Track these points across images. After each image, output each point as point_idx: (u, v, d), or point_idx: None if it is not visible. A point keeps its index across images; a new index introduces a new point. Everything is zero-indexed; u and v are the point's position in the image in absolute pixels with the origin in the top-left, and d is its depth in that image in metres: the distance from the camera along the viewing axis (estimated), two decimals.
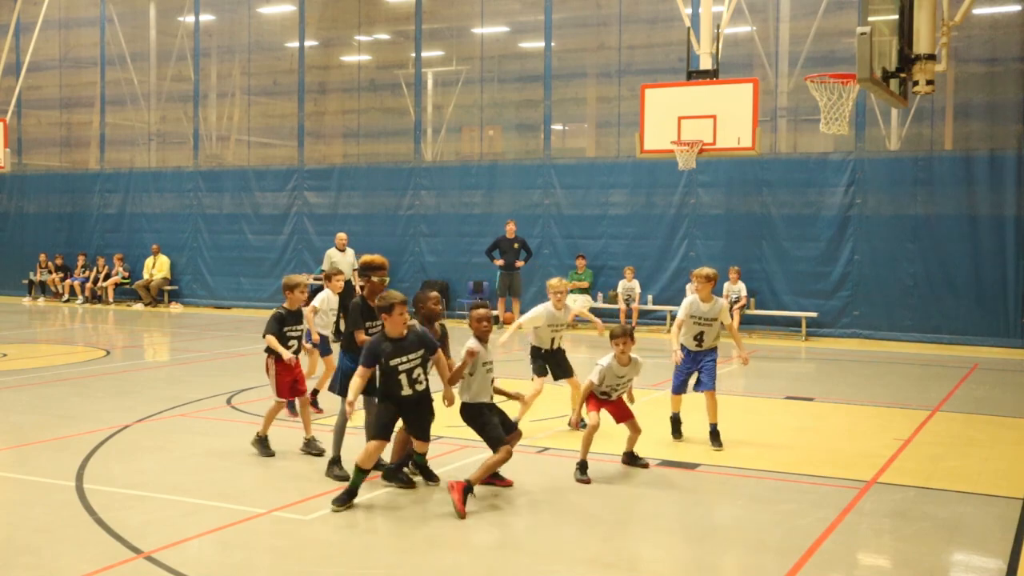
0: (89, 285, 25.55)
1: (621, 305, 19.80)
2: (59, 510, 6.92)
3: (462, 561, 6.10)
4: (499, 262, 20.17)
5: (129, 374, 13.65)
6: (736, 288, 18.94)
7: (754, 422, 10.55)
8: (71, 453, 8.52)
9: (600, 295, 20.41)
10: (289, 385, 8.78)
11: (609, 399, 8.25)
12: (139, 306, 24.56)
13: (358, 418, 7.88)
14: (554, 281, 9.81)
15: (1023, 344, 17.31)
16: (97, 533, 6.40)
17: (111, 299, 25.20)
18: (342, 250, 18.81)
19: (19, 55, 25.64)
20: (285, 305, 9.01)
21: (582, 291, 20.25)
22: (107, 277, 25.47)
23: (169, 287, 25.04)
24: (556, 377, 9.79)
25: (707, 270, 9.25)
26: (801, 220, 19.15)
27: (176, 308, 24.43)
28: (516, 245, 20.28)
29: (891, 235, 18.43)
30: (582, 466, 7.98)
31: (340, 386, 7.75)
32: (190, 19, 25.55)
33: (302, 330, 9.08)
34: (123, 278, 25.49)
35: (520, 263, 20.29)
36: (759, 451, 9.09)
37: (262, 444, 8.72)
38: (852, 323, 18.70)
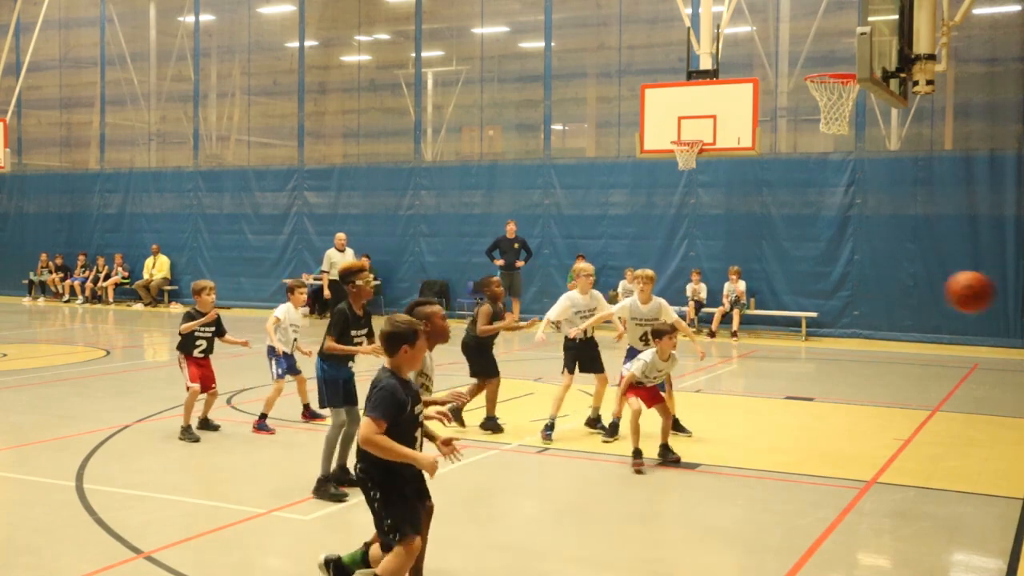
0: (89, 285, 25.55)
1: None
2: (59, 510, 6.92)
3: (462, 561, 6.10)
4: (499, 262, 20.16)
5: (129, 374, 13.65)
6: (736, 288, 18.94)
7: (754, 422, 10.55)
8: (71, 453, 8.52)
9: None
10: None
11: (643, 387, 8.51)
12: (139, 306, 24.55)
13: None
14: (580, 265, 10.04)
15: (1023, 344, 17.31)
16: (97, 533, 6.40)
17: (111, 299, 25.20)
18: (341, 250, 18.80)
19: (19, 55, 25.63)
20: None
21: None
22: (107, 277, 25.47)
23: (169, 287, 25.04)
24: (584, 371, 9.80)
25: (650, 271, 9.70)
26: (801, 220, 19.15)
27: (176, 308, 24.40)
28: (516, 245, 20.28)
29: (891, 235, 18.42)
30: (637, 454, 8.26)
31: (328, 398, 7.48)
32: (190, 19, 25.55)
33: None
34: (123, 278, 25.49)
35: (520, 263, 20.29)
36: (759, 451, 9.09)
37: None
38: (852, 323, 18.70)
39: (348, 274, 7.59)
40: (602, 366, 9.84)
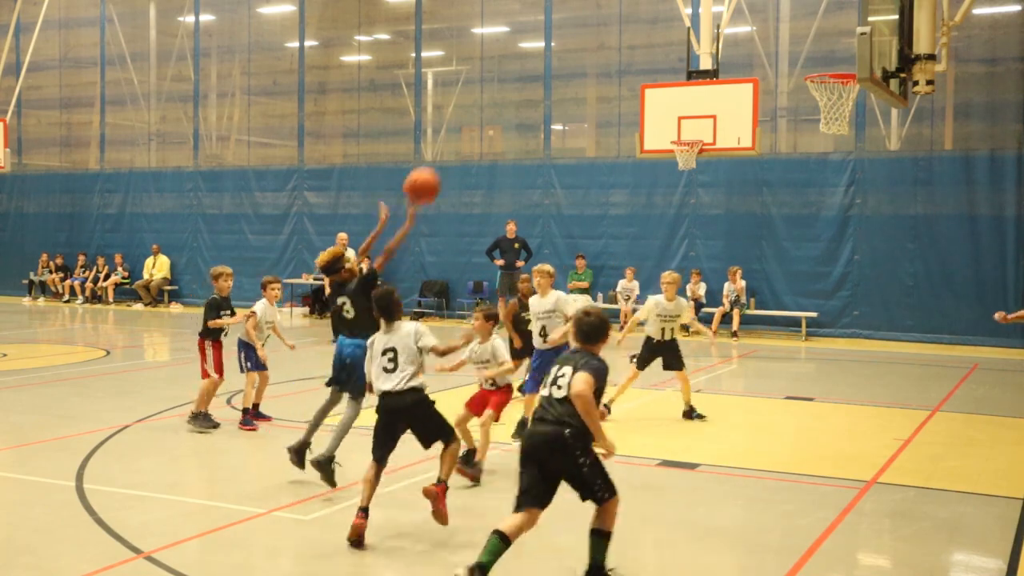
0: (89, 285, 25.55)
1: (621, 305, 19.79)
2: (59, 510, 6.92)
3: (462, 561, 6.09)
4: (499, 262, 20.16)
5: (129, 374, 13.65)
6: (736, 288, 18.94)
7: (754, 422, 10.55)
8: (71, 453, 8.52)
9: (600, 295, 20.41)
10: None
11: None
12: (139, 306, 24.55)
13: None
14: (666, 274, 10.67)
15: (1023, 344, 17.30)
16: (97, 533, 6.40)
17: (111, 299, 25.20)
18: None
19: (19, 55, 25.63)
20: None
21: (582, 291, 20.24)
22: (107, 277, 25.47)
23: (169, 287, 25.04)
24: (666, 367, 10.57)
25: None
26: (801, 220, 19.14)
27: (176, 308, 24.42)
28: (516, 245, 20.27)
29: (891, 235, 18.42)
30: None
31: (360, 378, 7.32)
32: (190, 19, 25.54)
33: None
34: (123, 278, 25.49)
35: (520, 263, 20.28)
36: (759, 451, 9.09)
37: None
38: (852, 323, 18.70)
39: (332, 265, 8.00)
40: (683, 364, 10.54)
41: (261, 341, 10.11)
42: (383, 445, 6.59)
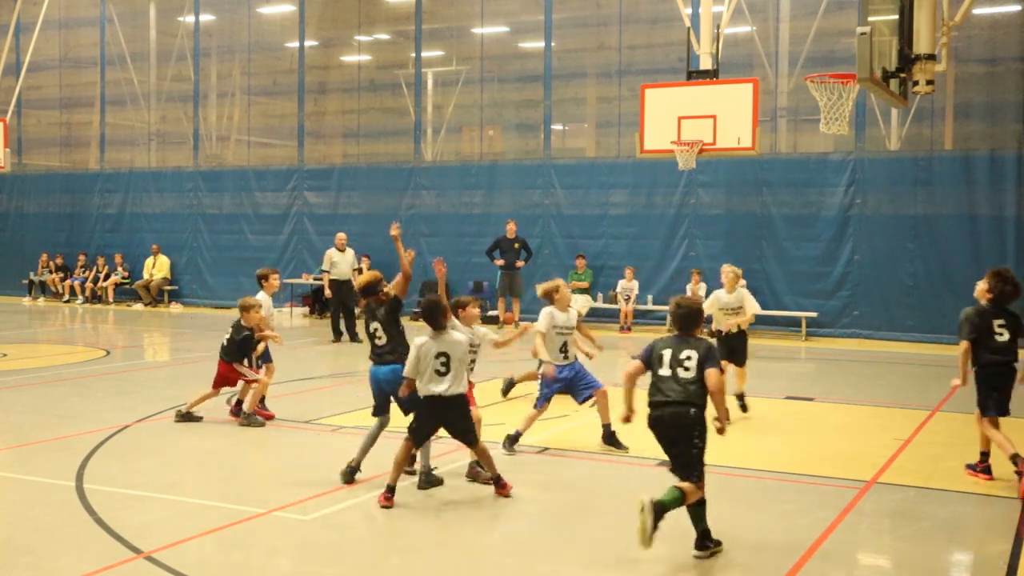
0: (89, 285, 25.55)
1: (621, 305, 19.80)
2: (59, 510, 6.92)
3: (462, 561, 6.10)
4: (499, 262, 20.15)
5: (129, 374, 13.65)
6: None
7: (754, 422, 10.55)
8: (71, 453, 8.52)
9: (600, 295, 20.41)
10: None
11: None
12: (139, 306, 24.55)
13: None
14: (725, 267, 10.92)
15: (1023, 344, 17.27)
16: (97, 533, 6.40)
17: (111, 299, 25.20)
18: (342, 250, 18.77)
19: (19, 55, 25.63)
20: None
21: (582, 291, 20.24)
22: (107, 277, 25.47)
23: (169, 287, 25.04)
24: (728, 359, 10.43)
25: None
26: (801, 220, 19.14)
27: (176, 308, 24.42)
28: (516, 245, 20.27)
29: (891, 235, 18.42)
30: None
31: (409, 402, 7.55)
32: (190, 19, 25.54)
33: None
34: (123, 278, 25.49)
35: (520, 263, 20.28)
36: (759, 451, 9.09)
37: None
38: (852, 323, 18.69)
39: (373, 286, 8.05)
40: (744, 360, 10.73)
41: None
42: (425, 436, 7.31)
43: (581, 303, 20.05)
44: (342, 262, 18.53)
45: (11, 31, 24.96)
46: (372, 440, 7.92)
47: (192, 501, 7.17)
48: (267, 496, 7.31)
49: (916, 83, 11.08)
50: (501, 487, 7.46)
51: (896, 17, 10.90)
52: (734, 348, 10.62)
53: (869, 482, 7.94)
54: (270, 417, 10.17)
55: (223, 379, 10.10)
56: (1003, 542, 6.52)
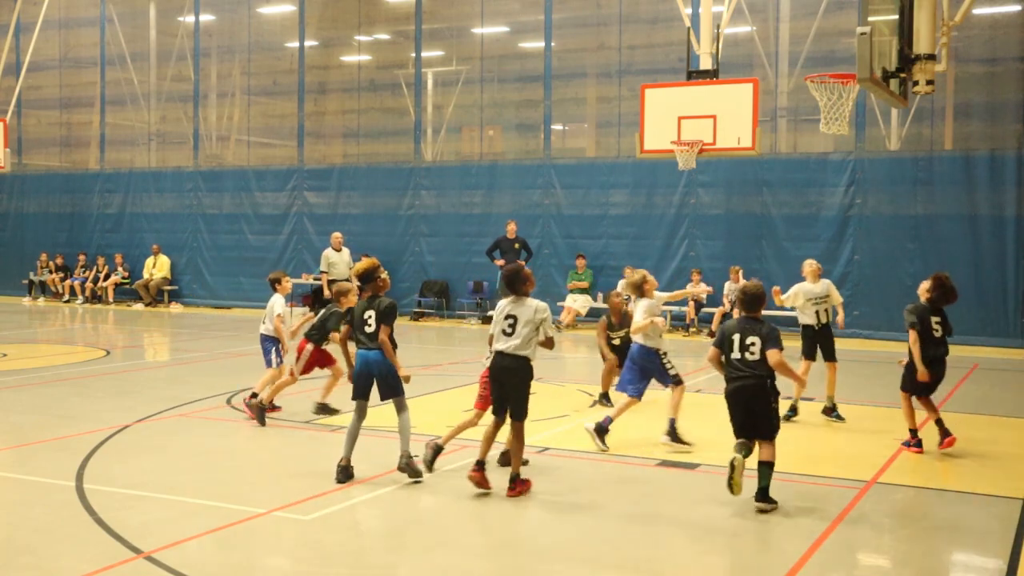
0: (89, 285, 25.55)
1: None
2: (59, 510, 6.92)
3: (462, 561, 6.10)
4: (500, 262, 20.16)
5: (129, 374, 13.65)
6: (736, 288, 18.92)
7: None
8: (71, 453, 8.51)
9: (600, 295, 20.40)
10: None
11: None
12: (139, 306, 24.55)
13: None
14: (809, 261, 11.05)
15: (1023, 344, 17.31)
16: (97, 533, 6.40)
17: (111, 299, 25.20)
18: (338, 250, 18.79)
19: (19, 55, 25.63)
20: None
21: (582, 291, 20.25)
22: (107, 277, 25.47)
23: (169, 287, 25.04)
24: (825, 358, 10.71)
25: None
26: (801, 220, 19.14)
27: (176, 308, 24.42)
28: (517, 245, 20.28)
29: (891, 235, 18.42)
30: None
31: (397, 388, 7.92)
32: (190, 19, 25.54)
33: None
34: (123, 278, 25.49)
35: (521, 263, 20.25)
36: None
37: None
38: (852, 323, 18.64)
39: (371, 272, 7.98)
40: (834, 355, 10.75)
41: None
42: (496, 401, 7.59)
43: (581, 303, 20.07)
44: (339, 262, 18.54)
45: (11, 31, 24.96)
46: (355, 433, 7.89)
47: (192, 501, 7.17)
48: (267, 496, 7.31)
49: (916, 83, 11.08)
50: (513, 487, 7.44)
51: (896, 17, 10.90)
52: (825, 342, 10.72)
53: (869, 482, 7.94)
54: (277, 409, 10.36)
55: (315, 363, 10.27)
56: (1003, 542, 6.52)
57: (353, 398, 7.94)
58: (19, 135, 27.68)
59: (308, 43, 24.36)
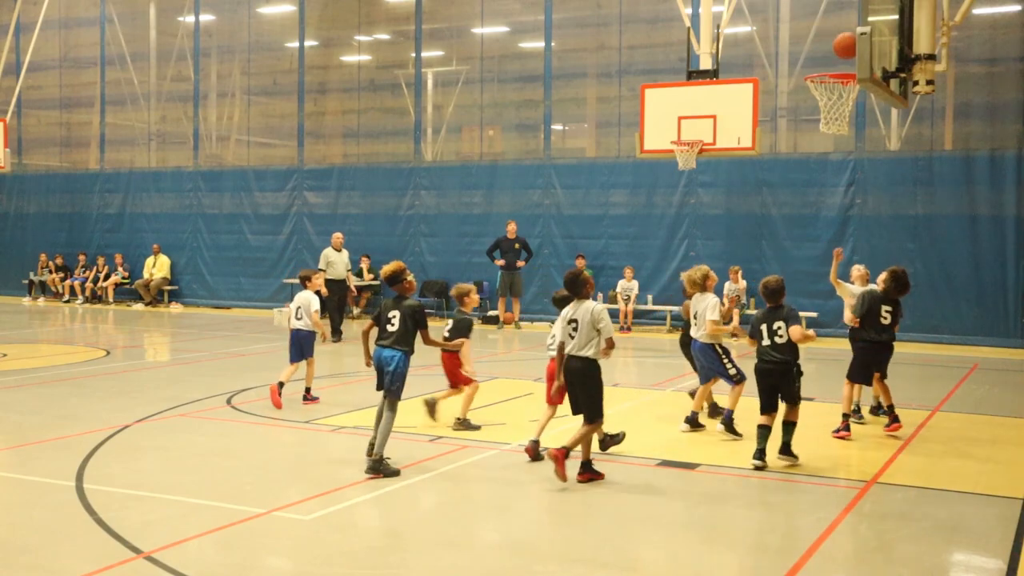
0: (89, 285, 25.55)
1: (621, 305, 19.79)
2: (59, 510, 6.92)
3: (462, 561, 6.10)
4: (500, 262, 20.16)
5: (129, 374, 13.65)
6: (736, 288, 18.94)
7: (754, 422, 10.53)
8: (71, 453, 8.52)
9: (600, 295, 20.40)
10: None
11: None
12: (139, 306, 24.55)
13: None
14: (857, 266, 11.77)
15: (1023, 344, 17.30)
16: (97, 533, 6.40)
17: (111, 299, 25.20)
18: (338, 250, 18.81)
19: (19, 55, 25.64)
20: None
21: None
22: (107, 277, 25.47)
23: (169, 287, 25.04)
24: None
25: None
26: (801, 220, 19.14)
27: (176, 308, 24.42)
28: (517, 245, 20.27)
29: (891, 235, 18.41)
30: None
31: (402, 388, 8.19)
32: (190, 19, 25.54)
33: None
34: (123, 278, 25.49)
35: (521, 263, 20.28)
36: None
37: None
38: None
39: (398, 275, 8.31)
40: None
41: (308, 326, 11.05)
42: (572, 402, 8.12)
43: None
44: (338, 262, 18.58)
45: (11, 31, 24.96)
46: (384, 422, 8.12)
47: (192, 501, 7.17)
48: (267, 496, 7.31)
49: (916, 83, 11.07)
50: (583, 473, 7.85)
51: (896, 17, 10.90)
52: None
53: (869, 482, 7.94)
54: (315, 401, 11.03)
55: (452, 371, 10.17)
56: (1003, 542, 6.52)
57: (378, 389, 8.22)
58: (19, 135, 27.68)
59: (308, 43, 24.36)
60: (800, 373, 8.47)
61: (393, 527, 6.84)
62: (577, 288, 8.02)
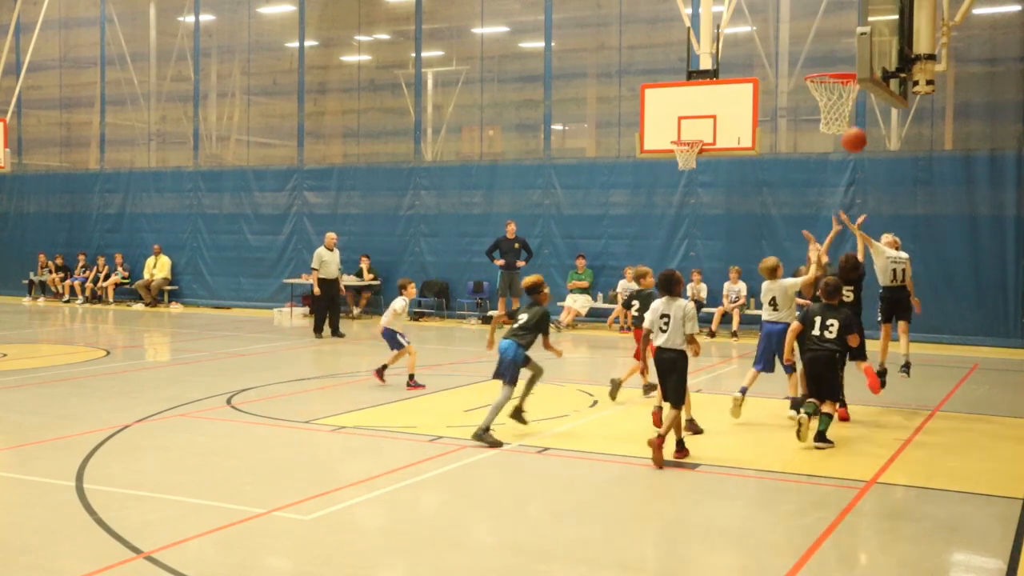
0: (89, 285, 25.55)
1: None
2: (59, 510, 6.92)
3: (462, 561, 6.10)
4: (499, 262, 20.16)
5: (129, 374, 13.65)
6: (736, 288, 18.94)
7: (754, 422, 10.54)
8: (71, 453, 8.51)
9: (600, 295, 20.42)
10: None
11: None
12: (139, 306, 24.56)
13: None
14: (886, 235, 12.10)
15: (1023, 344, 17.31)
16: (97, 533, 6.40)
17: (111, 299, 25.20)
18: (331, 249, 18.83)
19: (19, 55, 25.64)
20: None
21: (582, 291, 20.25)
22: (107, 277, 25.47)
23: (169, 287, 25.04)
24: (893, 318, 11.33)
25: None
26: (801, 220, 19.05)
27: (176, 308, 24.43)
28: (516, 245, 20.27)
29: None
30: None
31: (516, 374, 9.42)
32: (190, 19, 25.55)
33: None
34: (123, 278, 25.49)
35: (521, 263, 20.28)
36: (759, 451, 9.09)
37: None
38: None
39: (538, 286, 9.67)
40: (909, 315, 11.35)
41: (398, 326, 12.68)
42: (663, 389, 8.85)
43: (581, 303, 20.08)
44: (331, 261, 18.64)
45: (11, 31, 24.97)
46: (526, 389, 9.71)
47: (192, 501, 7.17)
48: (267, 496, 7.31)
49: (916, 83, 11.08)
50: (678, 451, 8.64)
51: (896, 17, 10.91)
52: (897, 302, 11.24)
53: (869, 482, 7.94)
54: (421, 387, 12.27)
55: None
56: (1003, 542, 6.52)
57: (494, 377, 9.48)
58: (19, 135, 27.68)
59: (308, 43, 24.36)
60: (843, 364, 9.49)
61: (393, 527, 6.83)
62: (670, 287, 8.79)
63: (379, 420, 10.21)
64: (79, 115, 27.54)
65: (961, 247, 17.91)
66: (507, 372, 9.27)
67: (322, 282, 18.24)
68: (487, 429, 9.00)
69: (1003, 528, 6.80)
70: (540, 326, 9.39)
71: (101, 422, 9.87)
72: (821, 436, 8.97)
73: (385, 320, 12.64)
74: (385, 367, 12.53)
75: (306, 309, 22.82)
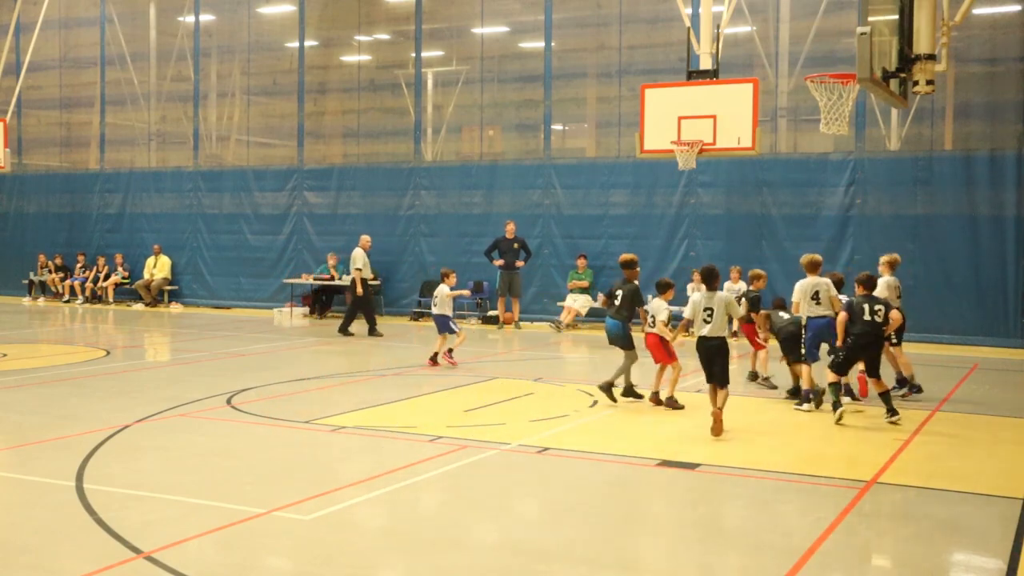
0: (89, 285, 25.55)
1: None
2: (59, 510, 6.92)
3: (462, 561, 6.10)
4: (498, 262, 20.16)
5: (129, 374, 13.66)
6: (736, 288, 18.92)
7: (754, 422, 10.55)
8: (71, 453, 8.52)
9: (600, 295, 20.40)
10: None
11: None
12: (139, 306, 24.56)
13: None
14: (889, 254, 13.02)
15: (1023, 344, 17.30)
16: (97, 533, 6.40)
17: (111, 299, 25.20)
18: (367, 250, 19.63)
19: (19, 55, 25.63)
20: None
21: (582, 291, 20.25)
22: (107, 277, 25.47)
23: (169, 287, 25.04)
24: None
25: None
26: (801, 220, 19.14)
27: (176, 308, 24.42)
28: (516, 245, 20.28)
29: (891, 235, 18.40)
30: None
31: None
32: (190, 19, 25.54)
33: None
34: (123, 278, 25.49)
35: (520, 263, 20.28)
36: (759, 451, 9.09)
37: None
38: None
39: (632, 263, 11.36)
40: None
41: (445, 310, 14.22)
42: (708, 371, 9.84)
43: (581, 303, 20.08)
44: (368, 263, 19.39)
45: (11, 31, 24.96)
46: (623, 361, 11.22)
47: (192, 501, 7.17)
48: (267, 496, 7.32)
49: (916, 83, 11.09)
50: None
51: (896, 17, 10.92)
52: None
53: (869, 482, 7.94)
54: (453, 363, 14.04)
55: (751, 333, 12.73)
56: (1003, 542, 6.52)
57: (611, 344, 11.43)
58: (19, 135, 27.68)
59: (308, 43, 24.36)
60: (885, 341, 10.69)
61: (393, 527, 6.84)
62: (711, 281, 9.86)
63: (379, 420, 10.22)
64: (79, 115, 27.53)
65: (961, 247, 17.90)
66: (618, 342, 11.16)
67: (364, 282, 19.07)
68: (612, 385, 11.02)
69: (1003, 528, 6.81)
70: (635, 300, 11.05)
71: (101, 422, 9.87)
72: (891, 413, 10.13)
73: (438, 307, 14.17)
74: (436, 355, 14.07)
75: (306, 309, 22.87)
